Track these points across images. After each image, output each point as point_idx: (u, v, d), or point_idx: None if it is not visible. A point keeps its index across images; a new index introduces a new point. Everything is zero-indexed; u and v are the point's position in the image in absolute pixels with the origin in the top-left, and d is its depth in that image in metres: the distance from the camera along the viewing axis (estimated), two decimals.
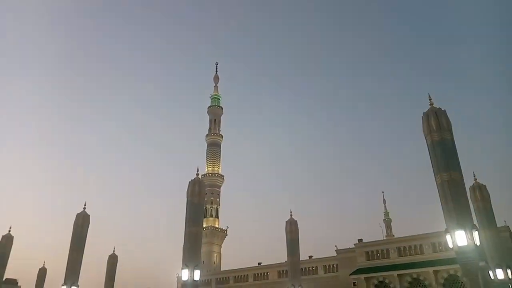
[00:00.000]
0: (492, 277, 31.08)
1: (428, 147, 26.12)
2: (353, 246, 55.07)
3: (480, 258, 25.00)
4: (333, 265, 57.57)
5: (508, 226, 45.04)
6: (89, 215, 38.69)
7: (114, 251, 51.91)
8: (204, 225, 66.19)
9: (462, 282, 42.14)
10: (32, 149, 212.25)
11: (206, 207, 76.10)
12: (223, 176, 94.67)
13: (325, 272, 58.37)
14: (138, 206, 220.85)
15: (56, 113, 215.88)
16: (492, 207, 34.07)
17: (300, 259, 45.55)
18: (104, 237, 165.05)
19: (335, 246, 58.06)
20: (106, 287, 50.57)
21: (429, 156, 26.05)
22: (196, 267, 29.73)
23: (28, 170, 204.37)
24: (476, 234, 22.94)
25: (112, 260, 51.29)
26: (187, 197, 33.29)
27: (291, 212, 45.08)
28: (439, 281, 45.48)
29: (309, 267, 58.33)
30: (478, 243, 23.03)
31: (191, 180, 34.00)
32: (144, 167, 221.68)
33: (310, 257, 60.30)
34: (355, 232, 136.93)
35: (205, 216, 75.75)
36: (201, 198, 34.06)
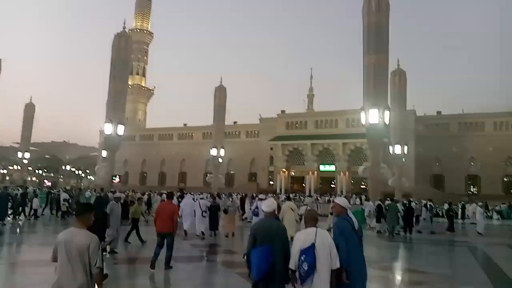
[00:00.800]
0: (391, 151, 35.73)
1: (363, 28, 26.37)
2: (276, 116, 58.19)
3: (385, 135, 28.10)
4: (255, 131, 61.08)
5: (414, 110, 50.13)
6: (0, 59, 34.98)
7: (31, 100, 49.04)
8: (130, 83, 63.77)
9: (365, 154, 47.62)
10: None
11: (132, 64, 72.53)
12: (152, 33, 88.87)
13: (247, 137, 62.06)
14: (60, 56, 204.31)
15: None
16: (407, 92, 37.13)
17: (225, 124, 47.43)
18: (21, 86, 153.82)
19: (259, 114, 60.86)
20: (23, 136, 49.12)
21: (362, 38, 26.52)
22: (119, 122, 29.55)
23: None
24: (387, 114, 25.23)
25: (29, 109, 48.80)
26: (112, 51, 31.17)
27: (221, 79, 45.10)
28: (346, 152, 51.13)
29: (232, 131, 61.28)
30: (387, 122, 25.52)
31: (117, 33, 31.47)
32: (68, 13, 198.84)
33: (235, 122, 62.91)
34: (279, 104, 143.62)
35: (131, 74, 72.58)
36: (127, 54, 32.18)
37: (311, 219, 4.76)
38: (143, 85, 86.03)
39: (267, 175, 57.85)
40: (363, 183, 48.11)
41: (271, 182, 56.65)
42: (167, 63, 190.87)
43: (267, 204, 5.04)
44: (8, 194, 19.81)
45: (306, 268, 4.31)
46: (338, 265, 4.46)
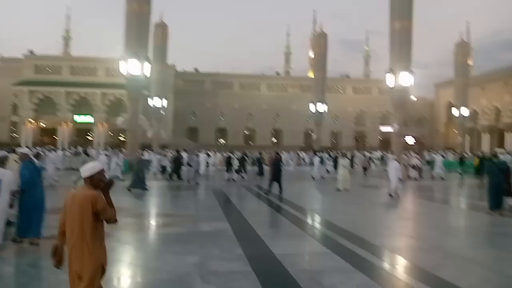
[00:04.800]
0: (150, 104, 36.48)
1: None
2: (22, 57, 49.68)
3: (145, 87, 28.34)
4: None
5: (174, 65, 52.23)
6: None
7: None
8: None
9: (125, 106, 46.79)
10: None
11: None
12: None
13: None
14: None
15: None
16: (168, 46, 38.08)
17: None
18: None
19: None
20: None
21: None
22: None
23: None
24: (148, 66, 25.33)
25: None
26: None
27: None
28: (105, 102, 48.81)
29: None
30: (147, 75, 25.67)
31: None
32: None
33: None
34: (27, 42, 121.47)
35: None
36: None
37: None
38: None
39: (8, 125, 49.61)
40: (121, 135, 47.41)
41: (15, 135, 48.89)
42: None
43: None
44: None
45: None
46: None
